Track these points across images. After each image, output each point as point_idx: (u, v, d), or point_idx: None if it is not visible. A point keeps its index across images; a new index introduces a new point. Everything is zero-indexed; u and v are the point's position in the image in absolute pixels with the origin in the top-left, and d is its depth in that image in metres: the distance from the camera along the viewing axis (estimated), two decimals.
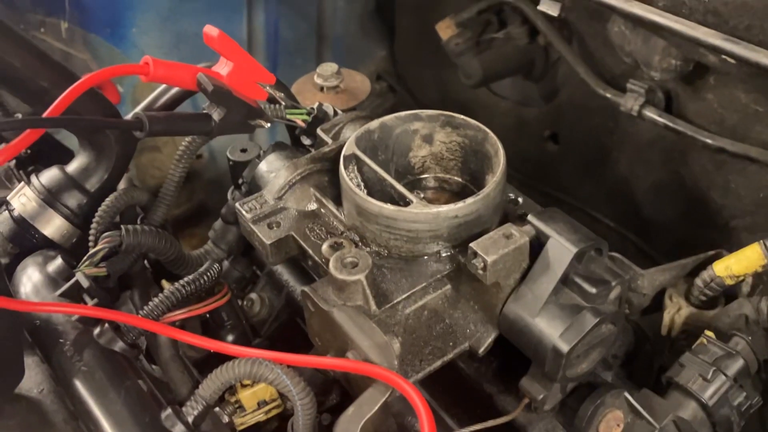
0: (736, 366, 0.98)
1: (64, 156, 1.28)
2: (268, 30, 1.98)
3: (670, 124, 1.43)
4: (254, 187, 1.16)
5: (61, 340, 0.95)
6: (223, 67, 1.01)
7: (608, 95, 1.52)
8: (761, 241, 1.09)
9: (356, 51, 2.20)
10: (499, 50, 1.80)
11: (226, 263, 1.35)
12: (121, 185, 1.26)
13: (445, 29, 1.77)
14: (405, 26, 2.21)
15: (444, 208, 0.94)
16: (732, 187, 1.45)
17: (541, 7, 1.26)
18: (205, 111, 1.00)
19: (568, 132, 1.85)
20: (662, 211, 1.67)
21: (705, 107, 1.39)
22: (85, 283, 1.00)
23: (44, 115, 0.87)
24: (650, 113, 1.45)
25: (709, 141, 1.38)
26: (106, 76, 0.95)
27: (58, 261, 1.07)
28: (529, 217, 0.94)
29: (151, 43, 1.86)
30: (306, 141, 1.21)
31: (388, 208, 0.95)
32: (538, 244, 0.93)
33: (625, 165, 1.71)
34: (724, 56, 1.08)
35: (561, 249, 0.90)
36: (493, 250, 0.89)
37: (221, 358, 0.95)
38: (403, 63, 2.27)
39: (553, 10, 1.24)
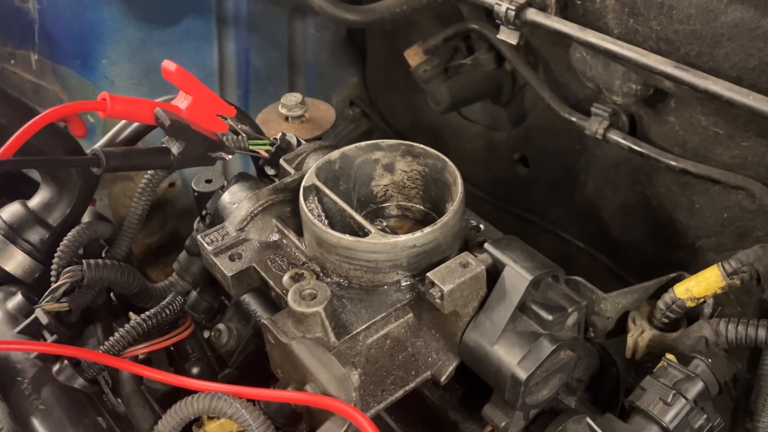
0: (695, 389, 0.98)
1: (30, 187, 1.28)
2: (239, 59, 2.00)
3: (635, 147, 1.45)
4: (217, 218, 1.16)
5: (19, 378, 0.95)
6: (181, 101, 1.02)
7: (573, 119, 1.55)
8: (720, 263, 1.10)
9: (328, 77, 2.22)
10: (466, 76, 1.82)
11: (194, 294, 1.35)
12: (86, 218, 1.26)
13: (413, 56, 1.79)
14: (376, 53, 2.23)
15: (402, 238, 0.95)
16: (697, 207, 1.47)
17: (500, 36, 1.28)
18: (163, 145, 1.01)
19: (537, 155, 1.87)
20: (630, 232, 1.69)
21: (667, 130, 1.41)
22: (44, 320, 0.99)
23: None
24: (614, 136, 1.47)
25: (672, 163, 1.40)
26: (62, 114, 0.95)
27: (18, 297, 1.06)
28: (486, 246, 0.95)
29: (121, 74, 1.87)
30: (270, 171, 1.21)
31: (347, 239, 0.95)
32: (495, 272, 0.94)
33: (593, 187, 1.73)
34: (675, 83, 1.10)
35: (517, 277, 0.90)
36: (449, 279, 0.90)
37: (187, 391, 0.94)
38: (375, 89, 2.29)
39: (512, 39, 1.26)
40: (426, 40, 1.79)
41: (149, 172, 1.17)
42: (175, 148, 0.99)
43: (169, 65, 0.99)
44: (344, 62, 2.24)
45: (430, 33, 1.84)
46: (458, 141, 2.07)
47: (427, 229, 0.95)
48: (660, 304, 1.13)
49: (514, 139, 1.91)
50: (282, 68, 2.10)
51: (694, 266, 1.20)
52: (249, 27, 1.98)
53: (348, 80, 2.27)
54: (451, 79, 1.81)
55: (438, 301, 0.90)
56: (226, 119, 1.08)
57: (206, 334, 1.31)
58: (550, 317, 0.90)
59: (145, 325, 1.02)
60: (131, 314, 1.22)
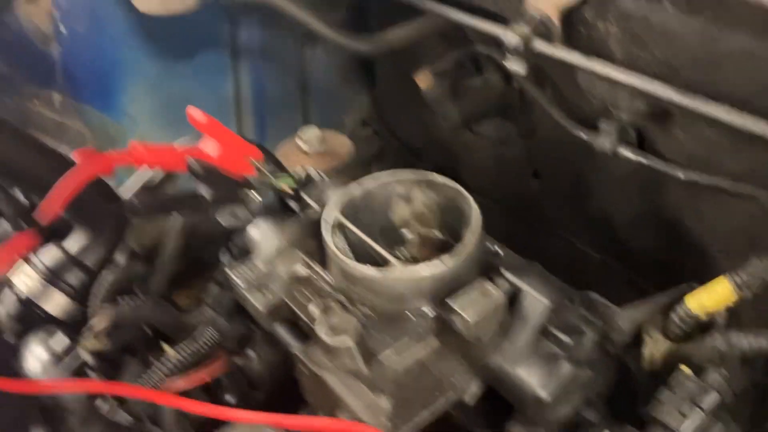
0: (711, 400, 1.02)
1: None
2: (255, 88, 2.05)
3: (643, 161, 1.47)
4: (244, 252, 1.22)
5: (67, 417, 1.00)
6: (209, 147, 1.07)
7: (582, 134, 1.58)
8: (730, 274, 1.13)
9: (340, 100, 2.27)
10: (476, 95, 1.86)
11: (224, 322, 1.39)
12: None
13: (424, 80, 1.83)
14: (385, 73, 2.27)
15: (423, 268, 1.00)
16: (707, 216, 1.50)
17: (508, 65, 1.32)
18: (196, 192, 1.06)
19: (547, 168, 1.90)
20: (644, 241, 1.72)
21: (675, 143, 1.44)
22: (87, 358, 1.05)
23: (41, 211, 0.92)
24: (623, 151, 1.50)
25: (680, 175, 1.43)
26: (104, 167, 1.01)
27: (60, 337, 1.11)
28: (504, 272, 0.99)
29: (141, 109, 1.93)
30: (294, 205, 1.26)
31: (370, 271, 1.00)
32: (513, 297, 0.98)
33: (604, 199, 1.76)
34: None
35: (535, 302, 0.95)
36: (471, 307, 0.95)
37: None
38: (386, 108, 2.33)
39: (520, 68, 1.30)
40: (435, 63, 1.83)
41: None
42: (208, 195, 1.04)
43: (196, 113, 1.04)
44: (355, 84, 2.29)
45: (438, 53, 1.88)
46: (470, 156, 2.11)
47: (448, 258, 1.00)
48: (673, 316, 1.16)
49: (525, 153, 1.95)
50: (295, 94, 2.15)
51: (707, 274, 1.23)
52: (262, 56, 2.03)
53: (360, 101, 2.32)
54: (461, 99, 1.86)
55: (461, 328, 0.95)
56: (252, 162, 1.13)
57: (237, 361, 1.37)
58: (568, 339, 0.94)
59: (186, 362, 1.07)
60: (163, 345, 1.27)
